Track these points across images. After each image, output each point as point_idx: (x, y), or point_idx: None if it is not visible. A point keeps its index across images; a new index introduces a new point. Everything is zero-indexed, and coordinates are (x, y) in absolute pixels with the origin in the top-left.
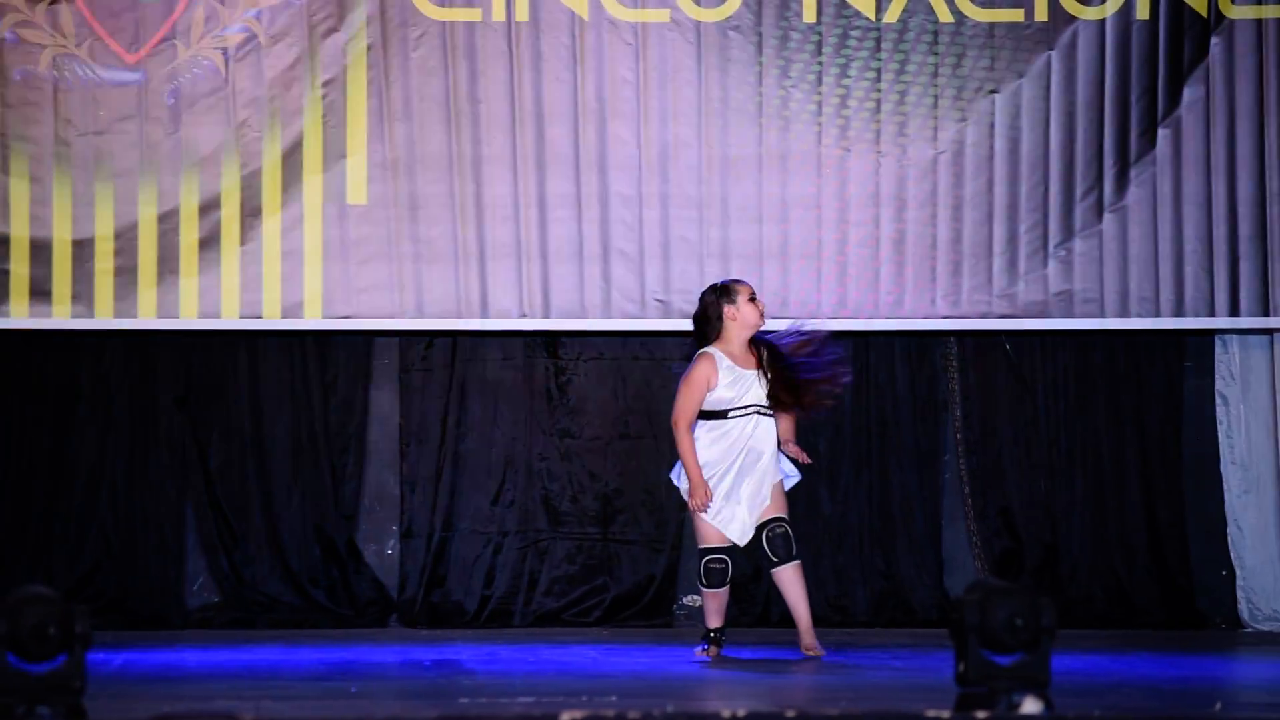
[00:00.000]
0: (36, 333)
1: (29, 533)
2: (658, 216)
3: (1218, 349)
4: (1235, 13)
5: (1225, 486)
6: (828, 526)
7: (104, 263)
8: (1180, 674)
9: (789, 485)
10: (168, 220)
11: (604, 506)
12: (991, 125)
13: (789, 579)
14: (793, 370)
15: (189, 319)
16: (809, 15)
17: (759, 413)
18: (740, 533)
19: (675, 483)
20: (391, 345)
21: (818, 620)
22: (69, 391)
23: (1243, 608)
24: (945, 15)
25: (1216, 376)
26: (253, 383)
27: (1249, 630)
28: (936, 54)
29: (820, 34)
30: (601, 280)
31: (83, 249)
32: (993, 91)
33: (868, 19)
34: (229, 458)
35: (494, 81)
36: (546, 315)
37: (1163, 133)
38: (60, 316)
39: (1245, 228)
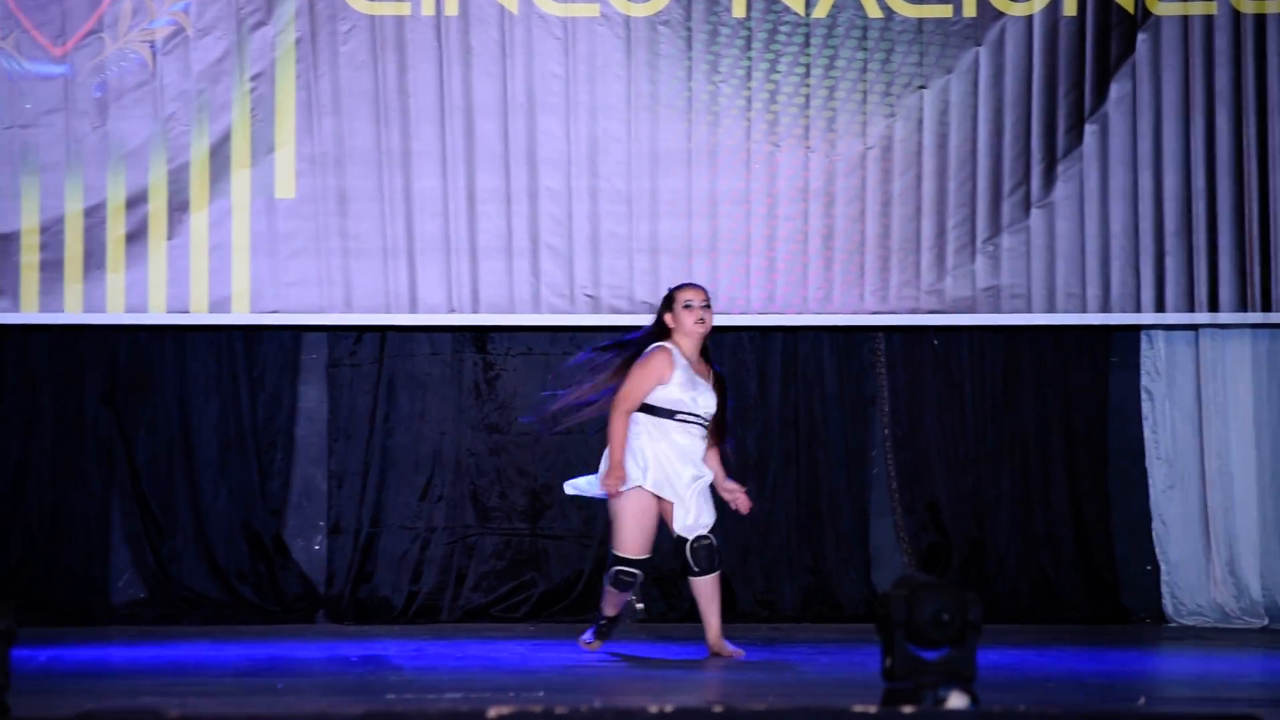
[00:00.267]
0: None
1: None
2: (587, 211)
3: (1144, 344)
4: (1161, 9)
5: (1150, 482)
6: (755, 522)
7: (29, 256)
8: (1105, 668)
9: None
10: (94, 214)
11: (532, 502)
12: (920, 121)
13: (706, 588)
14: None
15: (115, 313)
16: (738, 10)
17: (703, 425)
18: (682, 527)
19: (573, 492)
20: (320, 340)
21: (745, 615)
22: None
23: (1167, 603)
24: (874, 10)
25: (1142, 372)
26: (180, 378)
27: (1173, 625)
28: (865, 49)
29: (750, 29)
30: (530, 275)
31: (8, 243)
32: (921, 87)
33: (797, 14)
34: (155, 453)
35: (423, 76)
36: (475, 310)
37: (1090, 129)
38: None
39: (1171, 223)
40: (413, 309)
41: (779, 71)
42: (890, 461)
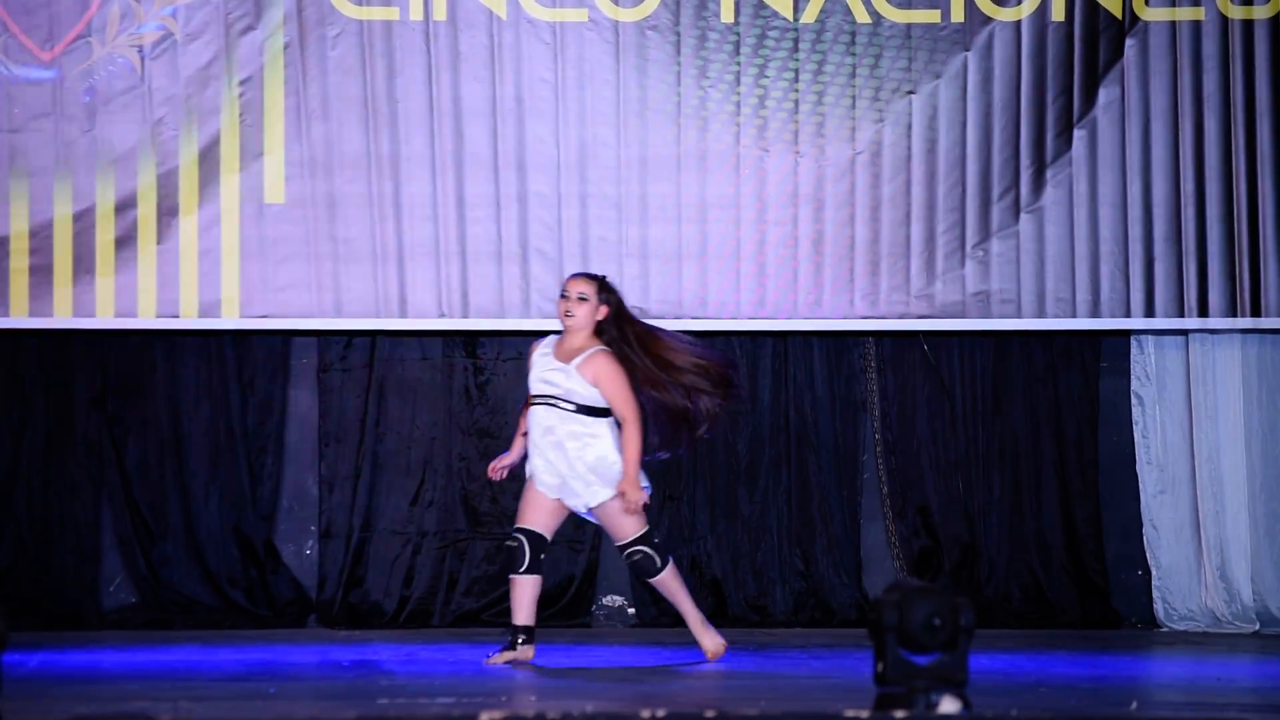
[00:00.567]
0: None
1: None
2: (576, 216)
3: (1134, 350)
4: (1149, 14)
5: (1141, 487)
6: (746, 526)
7: (19, 261)
8: (1097, 673)
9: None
10: (83, 219)
11: None
12: (909, 126)
13: (665, 587)
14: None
15: (105, 318)
16: (727, 15)
17: (548, 404)
18: (561, 494)
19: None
20: (310, 345)
21: (737, 620)
22: None
23: (1158, 607)
24: (863, 16)
25: (1132, 377)
26: (170, 382)
27: (1164, 630)
28: (854, 54)
29: (738, 34)
30: (520, 280)
31: None
32: (910, 92)
33: (785, 19)
34: (146, 457)
35: (412, 81)
36: (465, 315)
37: (1079, 134)
38: None
39: (1160, 229)
40: (403, 314)
41: (768, 76)
42: (881, 466)
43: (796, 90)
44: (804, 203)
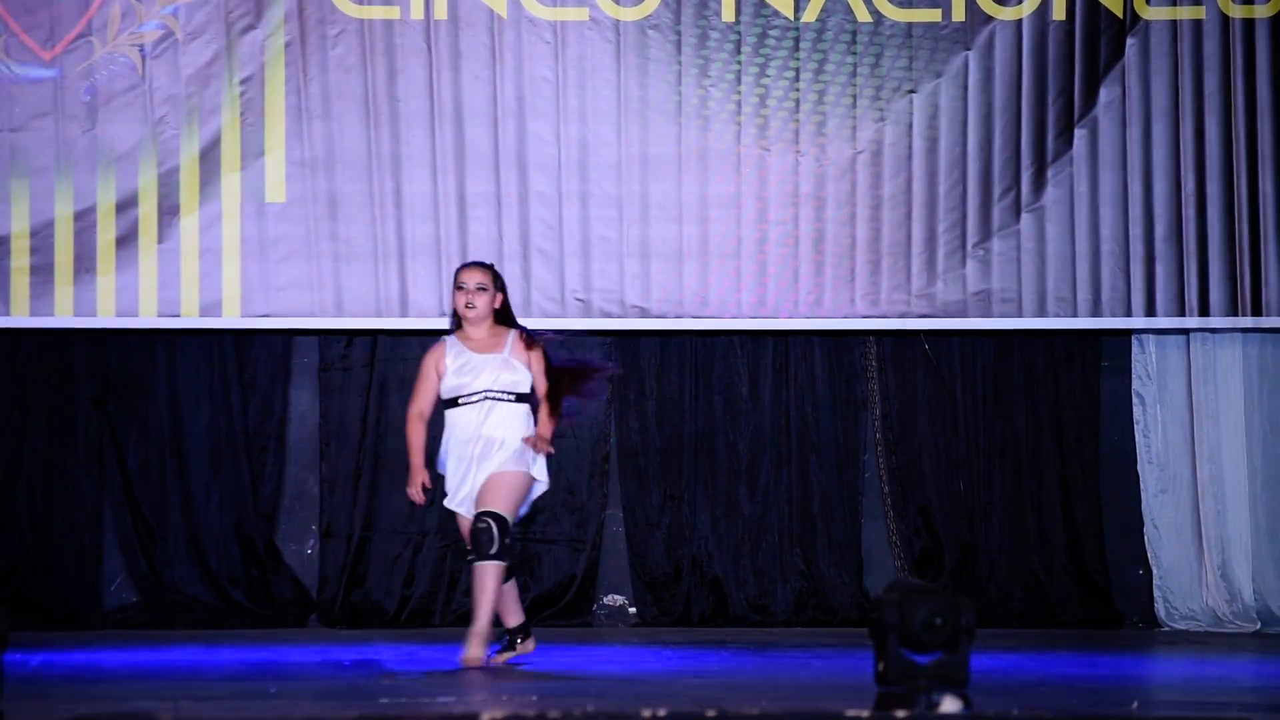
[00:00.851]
0: None
1: None
2: (577, 215)
3: (1134, 349)
4: (1150, 14)
5: (1142, 486)
6: (747, 526)
7: (19, 260)
8: (1098, 673)
9: (538, 491)
10: (84, 218)
11: None
12: (910, 125)
13: (480, 574)
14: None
15: (106, 317)
16: (728, 14)
17: (491, 398)
18: (465, 507)
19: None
20: (311, 344)
21: (738, 619)
22: None
23: (1159, 607)
24: (863, 15)
25: (1133, 376)
26: (171, 381)
27: (1165, 629)
28: (855, 53)
29: (739, 33)
30: (521, 279)
31: None
32: (910, 91)
33: (786, 18)
34: (147, 457)
35: (413, 80)
36: None
37: (1079, 133)
38: None
39: (1161, 228)
40: (404, 312)
41: (769, 75)
42: (882, 466)
43: (797, 89)
44: (805, 202)
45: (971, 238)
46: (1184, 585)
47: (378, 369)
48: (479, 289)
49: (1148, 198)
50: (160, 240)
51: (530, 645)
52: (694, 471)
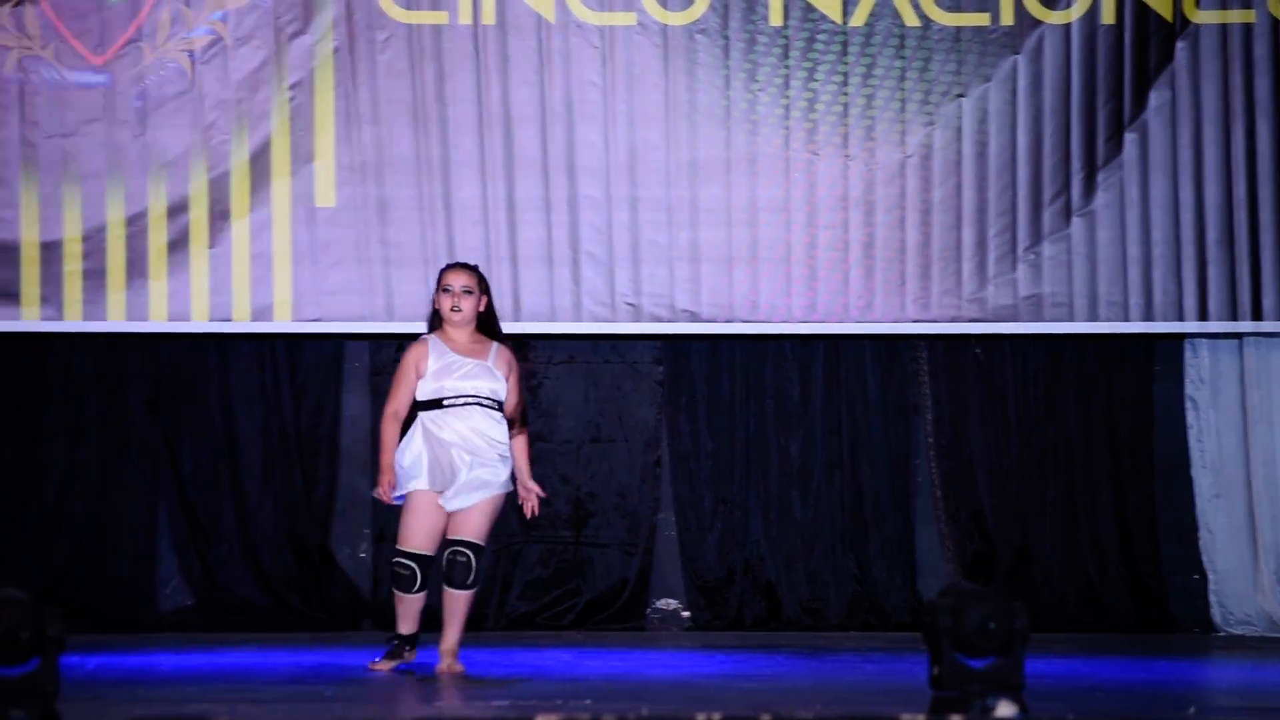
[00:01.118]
0: (5, 335)
1: (0, 535)
2: (627, 220)
3: (1187, 353)
4: (1200, 17)
5: (1196, 490)
6: (800, 530)
7: (72, 265)
8: (1153, 678)
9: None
10: (136, 223)
11: (576, 510)
12: (959, 129)
13: (456, 601)
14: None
15: (158, 322)
16: (775, 19)
17: (474, 404)
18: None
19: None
20: (362, 348)
21: (790, 623)
22: (39, 394)
23: (1215, 612)
24: (912, 19)
25: (1186, 381)
26: (223, 385)
27: (1221, 634)
28: (903, 58)
29: (787, 37)
30: (571, 283)
31: (51, 251)
32: (960, 95)
33: (834, 22)
34: (200, 460)
35: (461, 84)
36: (517, 318)
37: (1130, 137)
38: (29, 319)
39: (1212, 232)
40: None
41: (817, 79)
42: (934, 470)
43: (846, 93)
44: (854, 206)
45: (1022, 242)
46: (1239, 590)
47: None
48: (465, 291)
49: (1199, 202)
50: (211, 245)
51: (413, 655)
52: (746, 475)
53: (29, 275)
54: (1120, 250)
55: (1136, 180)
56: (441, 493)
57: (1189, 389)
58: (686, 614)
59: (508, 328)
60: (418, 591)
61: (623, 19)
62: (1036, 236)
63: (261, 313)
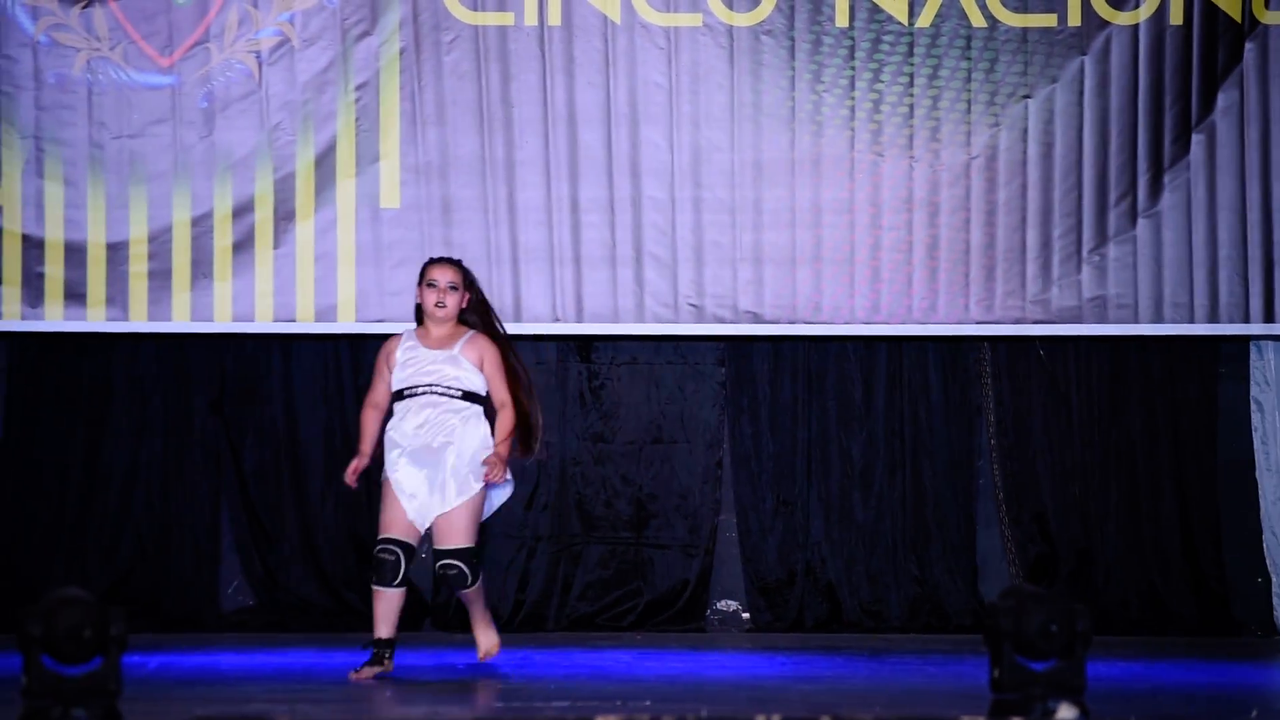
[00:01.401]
0: (71, 335)
1: (64, 535)
2: (690, 221)
3: (1253, 355)
4: (1269, 18)
5: (1261, 493)
6: (861, 532)
7: (138, 266)
8: (1216, 681)
9: (503, 495)
10: (201, 223)
11: (637, 511)
12: (1025, 130)
13: (466, 596)
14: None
15: (223, 322)
16: (841, 20)
17: (434, 393)
18: (417, 516)
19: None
20: None
21: (852, 625)
22: (103, 394)
23: (1278, 615)
24: (978, 20)
25: (1251, 383)
26: (286, 386)
27: None
28: (969, 59)
29: (853, 39)
30: (634, 284)
31: (117, 252)
32: (1026, 97)
33: (900, 24)
34: (263, 460)
35: (526, 85)
36: (579, 319)
37: (1197, 138)
38: (94, 319)
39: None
40: (517, 318)
41: (882, 81)
42: (997, 472)
43: (911, 95)
44: (919, 207)
45: (1087, 243)
46: None
47: None
48: (450, 288)
49: (1266, 203)
50: (276, 246)
51: (391, 664)
52: (807, 477)
53: (95, 276)
54: (1186, 252)
55: (1203, 181)
56: (403, 489)
57: (1254, 391)
58: (747, 615)
59: (571, 329)
60: (398, 585)
61: (688, 20)
62: (1102, 238)
63: (325, 313)
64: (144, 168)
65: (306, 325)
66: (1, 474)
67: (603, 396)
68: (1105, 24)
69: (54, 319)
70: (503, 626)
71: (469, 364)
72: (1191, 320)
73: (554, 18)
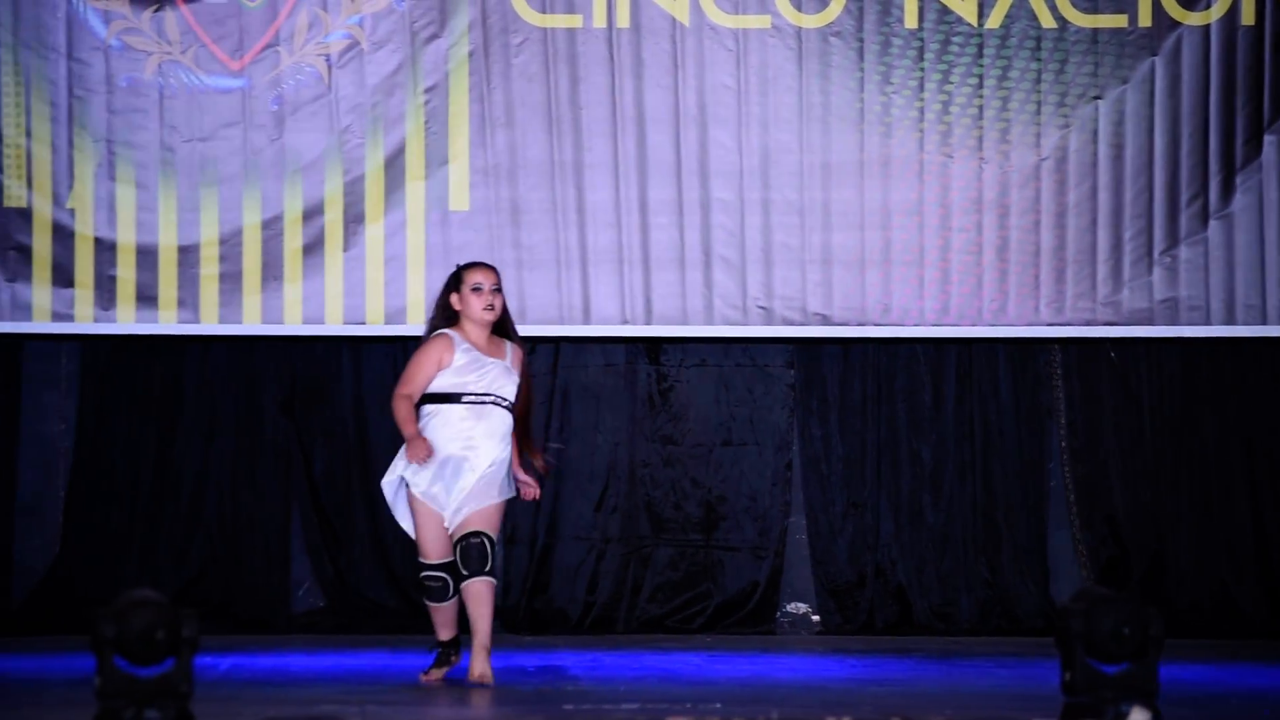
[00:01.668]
0: (142, 337)
1: (136, 537)
2: (759, 222)
3: None
4: None
5: None
6: (932, 534)
7: (209, 268)
8: None
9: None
10: (271, 226)
11: (707, 513)
12: (1095, 132)
13: (478, 592)
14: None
15: (293, 324)
16: (910, 21)
17: (493, 403)
18: (453, 518)
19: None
20: None
21: (922, 627)
22: (174, 396)
23: None
24: (1048, 21)
25: None
26: (356, 388)
27: None
28: (1039, 60)
29: (922, 40)
30: (703, 286)
31: (188, 255)
32: (1096, 98)
33: (970, 25)
34: (333, 462)
35: (595, 88)
36: (648, 322)
37: (1269, 139)
38: (166, 321)
39: None
40: (586, 320)
41: (951, 83)
42: (1068, 474)
43: (981, 96)
44: (988, 209)
45: (1158, 245)
46: None
47: (560, 376)
48: (495, 290)
49: None
50: (346, 248)
51: (458, 659)
52: (877, 479)
53: (166, 278)
54: (1258, 253)
55: (1275, 183)
56: (440, 499)
57: None
58: (817, 618)
59: (639, 331)
60: (451, 598)
61: (757, 21)
62: (1173, 239)
63: (395, 315)
64: (215, 170)
65: (376, 328)
66: (74, 476)
67: (671, 399)
68: (1176, 24)
69: (125, 321)
70: (572, 629)
71: (516, 376)
72: (1264, 322)
73: (622, 20)
